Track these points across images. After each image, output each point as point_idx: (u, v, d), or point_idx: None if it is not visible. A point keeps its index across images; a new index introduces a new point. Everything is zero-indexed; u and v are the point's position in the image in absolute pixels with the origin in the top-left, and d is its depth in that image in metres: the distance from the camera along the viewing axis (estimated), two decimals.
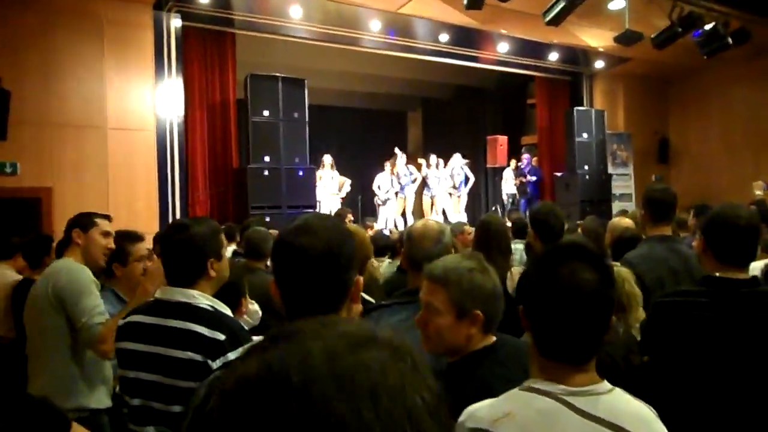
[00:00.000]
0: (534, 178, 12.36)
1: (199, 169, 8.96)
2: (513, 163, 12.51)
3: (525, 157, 12.00)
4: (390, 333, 0.55)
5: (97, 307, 2.61)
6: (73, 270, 2.70)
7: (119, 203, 7.53)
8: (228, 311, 1.97)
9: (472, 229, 4.76)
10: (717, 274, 2.10)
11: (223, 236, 2.07)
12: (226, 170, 9.24)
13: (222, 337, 1.79)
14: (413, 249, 2.10)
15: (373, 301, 2.44)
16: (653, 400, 1.94)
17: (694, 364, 2.08)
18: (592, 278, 1.31)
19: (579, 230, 4.88)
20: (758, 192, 5.94)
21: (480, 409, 1.34)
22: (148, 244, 4.54)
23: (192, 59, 8.90)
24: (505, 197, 12.71)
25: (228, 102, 9.30)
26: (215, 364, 1.77)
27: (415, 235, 2.12)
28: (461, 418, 1.34)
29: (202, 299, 1.91)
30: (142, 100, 8.01)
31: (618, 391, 1.35)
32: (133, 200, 7.75)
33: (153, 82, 8.09)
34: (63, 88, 7.38)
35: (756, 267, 2.55)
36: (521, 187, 12.38)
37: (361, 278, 1.33)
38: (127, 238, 3.03)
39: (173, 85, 8.32)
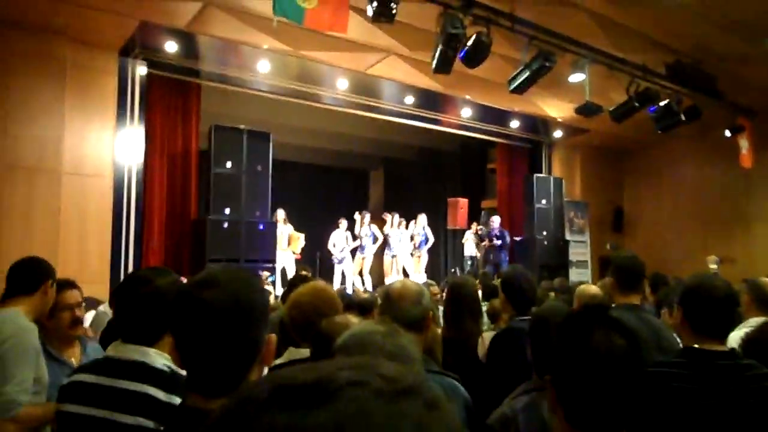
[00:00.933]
0: (499, 242, 12.26)
1: (156, 218, 8.71)
2: (474, 226, 12.57)
3: (494, 219, 12.01)
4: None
5: (27, 382, 2.35)
6: (21, 330, 2.42)
7: (69, 249, 7.21)
8: (184, 373, 1.82)
9: (437, 290, 4.68)
10: (696, 346, 2.07)
11: None
12: (183, 220, 9.01)
13: (179, 401, 1.64)
14: (391, 309, 2.01)
15: None
16: None
17: None
18: (624, 344, 1.29)
19: (551, 294, 4.85)
20: (712, 266, 6.02)
21: None
22: (91, 292, 4.27)
23: (155, 107, 8.78)
24: (466, 259, 12.69)
25: (190, 151, 9.16)
26: None
27: (394, 295, 2.03)
28: None
29: (159, 358, 1.75)
30: (101, 146, 7.80)
31: None
32: (85, 247, 7.44)
33: (114, 127, 7.91)
34: (17, 128, 7.11)
35: (734, 338, 2.53)
36: (489, 251, 12.22)
37: (274, 337, 1.20)
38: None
39: (134, 132, 8.15)
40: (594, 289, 3.92)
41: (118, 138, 7.97)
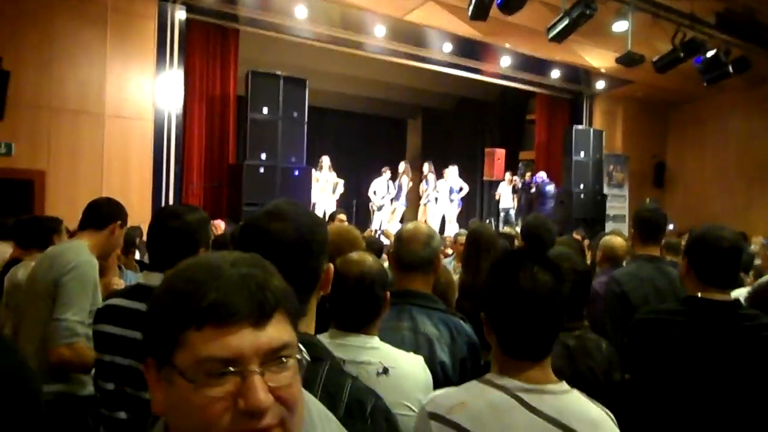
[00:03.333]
0: (532, 191, 12.02)
1: (195, 162, 8.94)
2: (509, 176, 12.47)
3: (541, 173, 11.87)
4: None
5: (85, 312, 2.42)
6: (84, 262, 2.51)
7: (112, 191, 7.47)
8: None
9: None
10: (699, 295, 2.11)
11: (211, 226, 2.07)
12: (221, 165, 9.21)
13: None
14: (402, 250, 2.10)
15: None
16: (632, 417, 1.95)
17: (671, 382, 2.09)
18: (548, 279, 1.41)
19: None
20: (753, 247, 5.80)
21: (440, 396, 1.44)
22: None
23: (194, 52, 8.89)
24: (501, 211, 12.64)
25: (228, 97, 9.29)
26: None
27: (405, 236, 2.12)
28: (425, 401, 1.45)
29: None
30: (142, 90, 7.99)
31: (575, 393, 1.41)
32: (127, 189, 7.72)
33: (153, 72, 8.07)
34: (62, 72, 7.35)
35: (741, 293, 2.56)
36: (529, 202, 12.08)
37: (332, 266, 1.30)
38: None
39: (174, 77, 8.30)
40: (618, 240, 3.93)
41: (158, 82, 8.13)
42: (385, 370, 1.65)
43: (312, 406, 0.88)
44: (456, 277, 3.39)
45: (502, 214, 12.52)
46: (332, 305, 1.70)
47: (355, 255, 1.81)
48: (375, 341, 1.72)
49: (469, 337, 2.05)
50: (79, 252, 2.56)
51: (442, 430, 1.36)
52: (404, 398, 1.61)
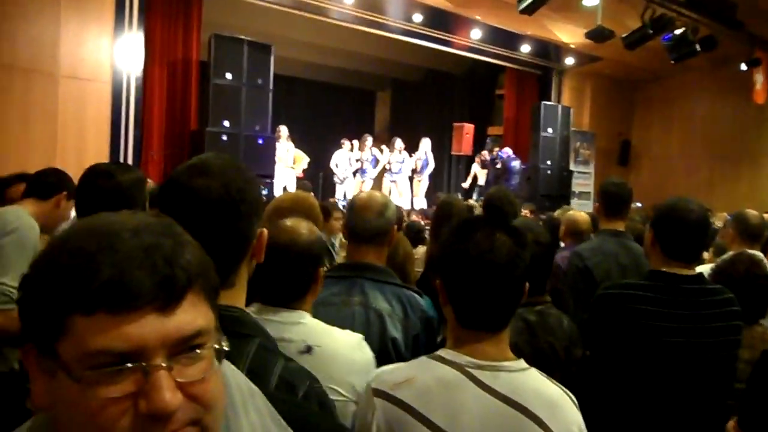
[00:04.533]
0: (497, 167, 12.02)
1: (155, 128, 8.65)
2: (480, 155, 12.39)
3: (506, 149, 11.86)
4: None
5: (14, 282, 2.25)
6: (25, 225, 2.38)
7: (67, 155, 7.19)
8: None
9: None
10: (663, 269, 2.06)
11: (147, 187, 1.93)
12: (182, 131, 8.93)
13: None
14: (354, 220, 1.97)
15: None
16: (592, 393, 1.90)
17: (634, 357, 2.04)
18: (507, 241, 1.31)
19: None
20: (718, 223, 5.82)
21: (387, 372, 1.36)
22: None
23: (155, 14, 8.53)
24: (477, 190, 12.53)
25: (190, 61, 8.97)
26: None
27: (357, 205, 1.98)
28: (369, 378, 1.36)
29: None
30: (99, 51, 7.64)
31: (533, 371, 1.34)
32: (83, 153, 7.40)
33: (112, 32, 7.72)
34: (12, 27, 6.95)
35: (705, 269, 2.53)
36: (495, 178, 12.02)
37: (266, 231, 1.16)
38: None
39: (133, 39, 7.97)
40: (581, 215, 3.90)
41: (117, 44, 7.79)
42: (308, 349, 1.48)
43: (233, 382, 0.75)
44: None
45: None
46: (256, 275, 1.56)
47: (289, 221, 1.64)
48: (302, 317, 1.56)
49: (424, 312, 1.93)
50: (20, 215, 2.42)
51: (386, 408, 1.27)
52: (330, 381, 1.43)
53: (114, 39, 7.75)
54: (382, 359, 1.77)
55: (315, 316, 1.60)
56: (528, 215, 5.57)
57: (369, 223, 1.94)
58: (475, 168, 12.50)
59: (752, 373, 1.71)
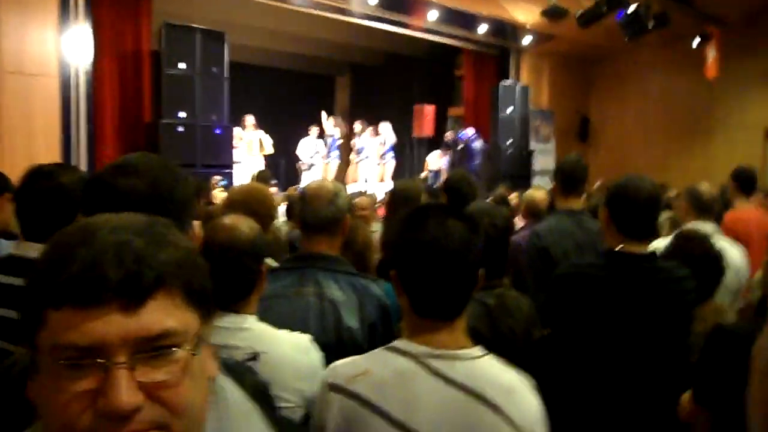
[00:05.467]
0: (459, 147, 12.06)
1: (108, 123, 8.40)
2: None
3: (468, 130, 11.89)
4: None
5: None
6: None
7: (15, 155, 6.94)
8: None
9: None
10: (617, 249, 2.08)
11: None
12: (136, 124, 8.68)
13: None
14: (305, 210, 1.93)
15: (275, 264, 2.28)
16: (550, 372, 1.91)
17: (590, 337, 2.07)
18: (460, 227, 1.30)
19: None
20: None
21: (342, 366, 1.34)
22: None
23: (103, 3, 8.23)
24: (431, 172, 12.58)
25: (141, 52, 8.71)
26: None
27: (308, 195, 1.95)
28: (325, 373, 1.35)
29: None
30: (44, 44, 7.35)
31: (489, 357, 1.33)
32: (32, 152, 7.15)
33: (56, 24, 7.44)
34: None
35: (660, 245, 2.57)
36: (458, 159, 12.04)
37: (197, 228, 1.14)
38: None
39: (80, 30, 7.69)
40: (540, 194, 3.92)
41: (63, 36, 7.51)
42: (255, 356, 1.46)
43: (230, 396, 0.74)
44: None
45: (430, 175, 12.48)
46: None
47: (227, 219, 1.60)
48: (248, 321, 1.53)
49: (379, 299, 1.91)
50: None
51: (342, 402, 1.26)
52: (277, 387, 1.41)
53: (60, 31, 7.47)
54: (338, 349, 1.75)
55: (268, 309, 1.57)
56: (505, 193, 5.59)
57: (320, 213, 1.91)
58: (429, 158, 12.53)
59: (704, 346, 1.74)
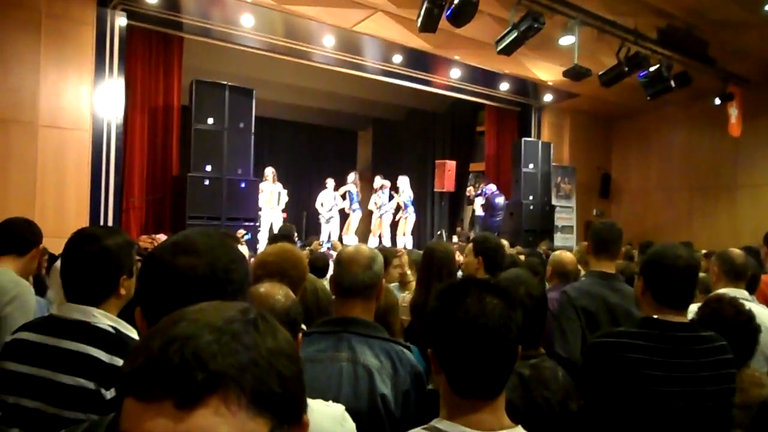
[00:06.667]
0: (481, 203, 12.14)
1: (137, 174, 8.60)
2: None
3: (491, 186, 12.00)
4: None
5: None
6: (24, 291, 2.41)
7: (47, 204, 7.12)
8: (134, 334, 1.76)
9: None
10: (655, 317, 2.04)
11: (135, 250, 1.88)
12: (165, 177, 8.88)
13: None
14: (341, 274, 1.93)
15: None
16: None
17: (629, 407, 2.01)
18: (498, 303, 1.29)
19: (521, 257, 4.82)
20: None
21: None
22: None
23: (135, 60, 8.56)
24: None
25: (171, 107, 8.98)
26: (109, 394, 1.56)
27: (345, 259, 1.94)
28: None
29: (104, 319, 1.70)
30: (79, 99, 7.61)
31: None
32: (63, 202, 7.33)
33: (92, 80, 7.70)
34: None
35: (692, 309, 2.51)
36: (483, 215, 12.10)
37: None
38: None
39: (114, 86, 7.95)
40: (568, 256, 3.89)
41: (97, 91, 7.77)
42: None
43: None
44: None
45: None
46: None
47: (262, 288, 1.59)
48: None
49: (413, 367, 1.88)
50: (16, 281, 2.42)
51: None
52: None
53: (94, 86, 7.73)
54: (370, 416, 1.71)
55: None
56: (548, 251, 5.54)
57: (356, 277, 1.90)
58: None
59: (751, 424, 1.68)
